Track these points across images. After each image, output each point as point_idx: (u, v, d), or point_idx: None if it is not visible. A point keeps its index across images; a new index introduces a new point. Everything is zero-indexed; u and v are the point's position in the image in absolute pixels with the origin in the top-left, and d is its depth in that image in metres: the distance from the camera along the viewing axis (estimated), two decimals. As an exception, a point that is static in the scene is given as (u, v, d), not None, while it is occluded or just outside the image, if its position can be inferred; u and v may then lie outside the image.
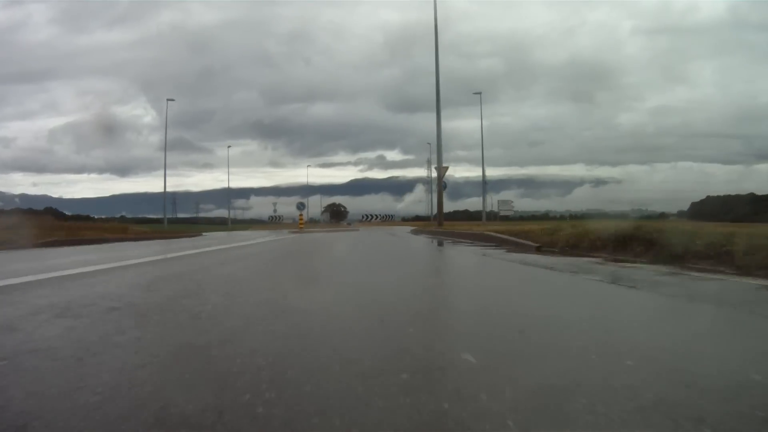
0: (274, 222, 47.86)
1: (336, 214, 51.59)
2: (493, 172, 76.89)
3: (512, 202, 33.02)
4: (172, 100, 32.43)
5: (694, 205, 27.30)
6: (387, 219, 55.75)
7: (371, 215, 53.92)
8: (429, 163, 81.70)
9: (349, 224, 44.26)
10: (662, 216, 25.64)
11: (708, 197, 25.97)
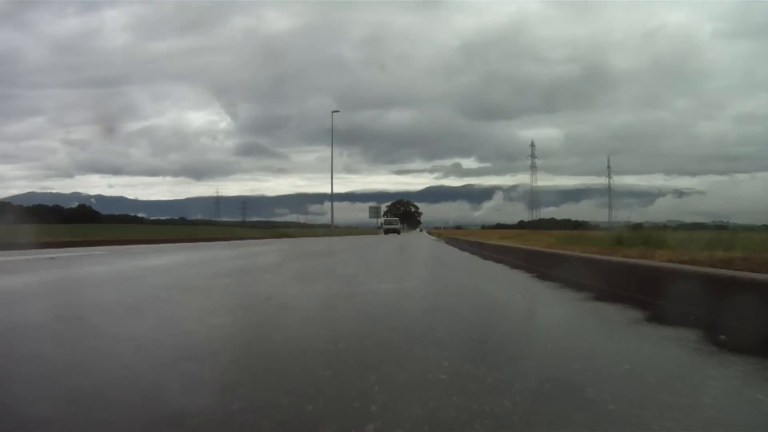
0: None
1: (407, 216, 38.17)
2: (569, 182, 72.39)
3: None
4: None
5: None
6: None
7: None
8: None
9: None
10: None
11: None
